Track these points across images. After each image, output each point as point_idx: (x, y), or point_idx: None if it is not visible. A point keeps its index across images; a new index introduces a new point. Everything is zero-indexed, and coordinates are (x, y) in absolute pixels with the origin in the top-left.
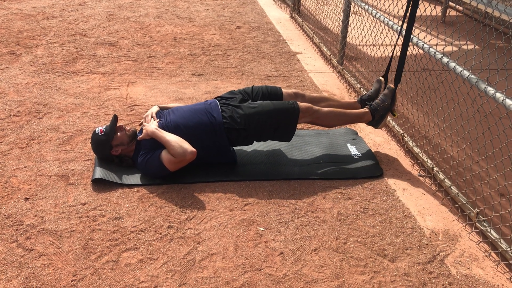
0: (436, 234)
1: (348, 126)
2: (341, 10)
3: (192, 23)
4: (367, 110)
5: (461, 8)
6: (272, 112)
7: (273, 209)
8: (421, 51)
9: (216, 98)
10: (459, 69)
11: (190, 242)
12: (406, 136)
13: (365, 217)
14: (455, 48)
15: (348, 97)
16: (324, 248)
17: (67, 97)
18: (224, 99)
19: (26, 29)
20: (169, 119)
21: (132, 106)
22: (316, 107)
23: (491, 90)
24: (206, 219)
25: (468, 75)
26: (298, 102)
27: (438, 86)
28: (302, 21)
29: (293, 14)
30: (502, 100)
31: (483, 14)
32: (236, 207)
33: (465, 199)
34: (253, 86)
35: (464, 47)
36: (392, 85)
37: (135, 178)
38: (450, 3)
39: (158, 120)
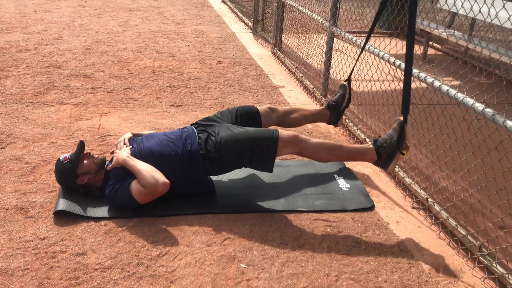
0: (436, 270)
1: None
2: (324, 42)
3: (172, 57)
4: (370, 146)
5: (440, 46)
6: (246, 141)
7: (256, 244)
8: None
9: (192, 124)
10: (470, 101)
11: (162, 281)
12: (397, 166)
13: (358, 252)
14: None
15: (336, 133)
16: (313, 286)
17: (34, 127)
18: (201, 126)
19: None
20: (142, 146)
21: (105, 136)
22: (302, 137)
23: (510, 123)
24: (180, 255)
25: (483, 109)
26: (281, 131)
27: (426, 117)
28: (284, 57)
29: (275, 51)
30: None
31: (463, 52)
32: (215, 242)
33: (465, 231)
34: (228, 109)
35: (450, 83)
36: (400, 117)
37: (102, 211)
38: (430, 42)
39: (130, 147)
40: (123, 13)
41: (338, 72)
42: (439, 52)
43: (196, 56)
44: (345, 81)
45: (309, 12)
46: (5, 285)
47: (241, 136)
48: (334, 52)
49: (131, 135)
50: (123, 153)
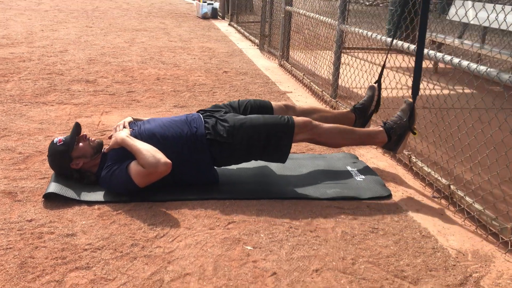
0: (463, 255)
1: (346, 150)
2: (331, 58)
3: (177, 67)
4: (381, 128)
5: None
6: (262, 126)
7: (263, 228)
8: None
9: (198, 111)
10: (493, 72)
11: (158, 261)
12: (414, 156)
13: (376, 237)
14: (453, 92)
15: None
16: (328, 268)
17: (31, 123)
18: (208, 111)
19: None
20: (143, 128)
21: (104, 131)
22: (315, 122)
23: None
24: (180, 237)
25: (510, 77)
26: (294, 116)
27: (442, 118)
28: (291, 67)
29: (282, 62)
30: None
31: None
32: (218, 226)
33: (493, 215)
34: (239, 100)
35: (460, 91)
36: (410, 99)
37: (97, 195)
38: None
39: (130, 129)
40: (130, 32)
41: (348, 81)
42: (449, 66)
43: (201, 66)
44: (375, 82)
45: (317, 16)
46: None
47: (256, 121)
48: (342, 66)
49: (131, 119)
50: (122, 133)
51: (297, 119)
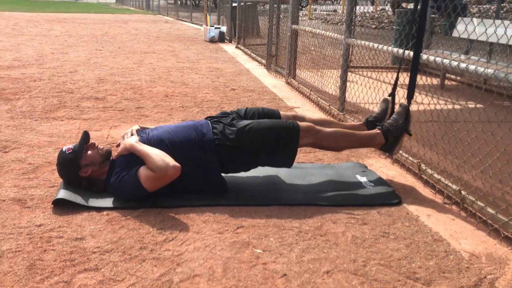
0: (477, 257)
1: (355, 160)
2: (338, 76)
3: (185, 85)
4: (378, 131)
5: (459, 78)
6: (269, 129)
7: (272, 232)
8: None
9: (206, 118)
10: (502, 74)
11: (167, 263)
12: (424, 164)
13: (386, 241)
14: (458, 107)
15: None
16: (338, 270)
17: (41, 136)
18: (215, 118)
19: (10, 87)
20: (151, 135)
21: (112, 144)
22: (318, 127)
23: None
24: (189, 240)
25: None
26: (297, 121)
27: (445, 132)
28: (298, 84)
29: (289, 79)
30: None
31: (482, 81)
32: (227, 230)
33: (506, 219)
34: (247, 107)
35: (470, 106)
36: (404, 102)
37: (106, 202)
38: (447, 74)
39: (139, 136)
40: (139, 54)
41: (355, 95)
42: (454, 82)
43: (209, 84)
44: (388, 95)
45: (323, 32)
46: None
47: (264, 125)
48: (348, 83)
49: (138, 127)
50: (131, 139)
51: (301, 123)
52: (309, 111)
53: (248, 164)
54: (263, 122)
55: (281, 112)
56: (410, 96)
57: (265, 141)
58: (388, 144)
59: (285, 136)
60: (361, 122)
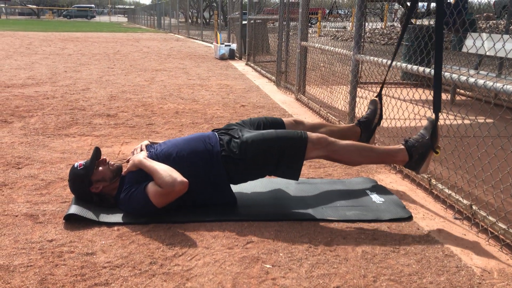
0: (489, 273)
1: (365, 175)
2: (347, 91)
3: (195, 102)
4: (402, 147)
5: (469, 93)
6: (274, 140)
7: (282, 248)
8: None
9: (213, 130)
10: (511, 88)
11: (176, 278)
12: (434, 179)
13: (397, 256)
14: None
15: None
16: (348, 286)
17: (53, 152)
18: (222, 130)
19: (24, 105)
20: (159, 150)
21: (124, 159)
22: (331, 139)
23: None
24: (198, 255)
25: None
26: (309, 132)
27: (456, 146)
28: (308, 100)
29: (299, 96)
30: None
31: (493, 95)
32: (237, 245)
33: None
34: (251, 118)
35: (480, 120)
36: (432, 116)
37: (116, 217)
38: (458, 90)
39: (148, 152)
40: (150, 72)
41: (362, 112)
42: (464, 97)
43: (219, 101)
44: (376, 96)
45: (332, 48)
46: (4, 279)
47: (268, 135)
48: (358, 99)
49: (148, 142)
50: (140, 155)
51: (311, 134)
52: None
53: (255, 174)
54: (267, 134)
55: (284, 119)
56: (437, 109)
57: (269, 153)
58: (413, 162)
59: (290, 147)
60: (354, 123)
